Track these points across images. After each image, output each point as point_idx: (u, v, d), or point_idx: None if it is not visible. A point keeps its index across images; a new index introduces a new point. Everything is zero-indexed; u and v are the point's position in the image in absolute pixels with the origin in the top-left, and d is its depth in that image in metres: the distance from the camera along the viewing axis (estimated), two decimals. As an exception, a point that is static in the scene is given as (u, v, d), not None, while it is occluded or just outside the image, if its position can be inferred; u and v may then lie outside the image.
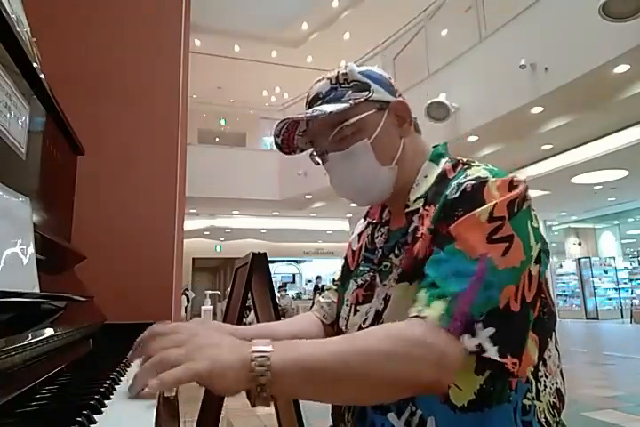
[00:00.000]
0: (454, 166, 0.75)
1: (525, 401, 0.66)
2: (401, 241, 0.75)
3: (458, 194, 0.66)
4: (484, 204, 0.63)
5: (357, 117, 0.74)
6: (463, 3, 7.60)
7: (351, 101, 0.74)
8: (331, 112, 0.73)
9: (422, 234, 0.70)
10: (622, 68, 5.07)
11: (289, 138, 0.81)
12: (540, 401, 0.68)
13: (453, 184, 0.69)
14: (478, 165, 0.73)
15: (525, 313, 0.61)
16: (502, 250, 0.61)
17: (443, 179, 0.74)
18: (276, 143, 0.82)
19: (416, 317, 0.59)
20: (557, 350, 0.74)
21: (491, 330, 0.57)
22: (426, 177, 0.77)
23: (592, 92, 5.52)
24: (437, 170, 0.77)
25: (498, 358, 0.57)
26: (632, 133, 6.53)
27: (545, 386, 0.69)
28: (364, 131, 0.75)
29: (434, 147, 0.83)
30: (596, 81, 5.25)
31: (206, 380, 0.50)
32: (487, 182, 0.66)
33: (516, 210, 0.63)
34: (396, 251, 0.76)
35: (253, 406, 0.53)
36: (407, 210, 0.76)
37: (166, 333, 0.57)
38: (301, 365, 0.53)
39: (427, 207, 0.72)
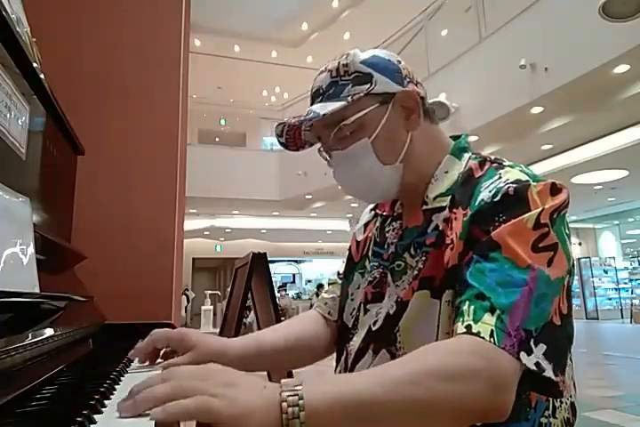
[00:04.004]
0: (481, 164, 0.70)
1: (542, 419, 0.63)
2: (417, 240, 0.70)
3: (499, 197, 0.60)
4: (529, 209, 0.59)
5: (356, 116, 0.70)
6: (463, 3, 7.60)
7: (349, 99, 0.69)
8: (324, 114, 0.68)
9: (452, 240, 0.64)
10: (622, 68, 5.07)
11: (294, 135, 0.78)
12: (556, 418, 0.65)
13: (486, 186, 0.64)
14: (511, 166, 0.67)
15: (567, 326, 0.57)
16: (547, 259, 0.56)
17: (469, 178, 0.68)
18: (281, 143, 0.79)
19: (465, 333, 0.53)
20: (571, 361, 0.70)
21: (543, 347, 0.52)
22: (446, 172, 0.72)
23: (592, 92, 5.51)
24: (460, 166, 0.72)
25: (554, 378, 0.52)
26: (632, 133, 6.53)
27: (561, 402, 0.66)
28: (364, 129, 0.70)
29: (454, 139, 0.78)
30: (596, 81, 5.25)
31: (225, 423, 0.42)
32: (530, 186, 0.61)
33: (555, 216, 0.59)
34: (412, 251, 0.71)
35: None
36: (425, 207, 0.71)
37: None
38: (343, 401, 0.45)
39: (454, 210, 0.67)
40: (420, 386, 0.47)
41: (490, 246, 0.58)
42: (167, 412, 0.40)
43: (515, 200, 0.60)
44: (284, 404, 0.43)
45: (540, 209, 0.59)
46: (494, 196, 0.61)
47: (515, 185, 0.61)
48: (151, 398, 0.42)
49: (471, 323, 0.53)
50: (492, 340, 0.51)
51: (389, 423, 0.47)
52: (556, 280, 0.56)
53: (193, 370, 0.47)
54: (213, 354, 0.71)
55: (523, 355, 0.51)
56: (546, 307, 0.54)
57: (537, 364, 0.51)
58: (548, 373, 0.52)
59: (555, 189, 0.62)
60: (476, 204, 0.63)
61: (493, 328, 0.52)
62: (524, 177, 0.63)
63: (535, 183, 0.61)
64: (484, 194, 0.63)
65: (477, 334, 0.52)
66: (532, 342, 0.52)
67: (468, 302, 0.56)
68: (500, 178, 0.64)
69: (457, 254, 0.62)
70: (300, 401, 0.44)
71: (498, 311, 0.53)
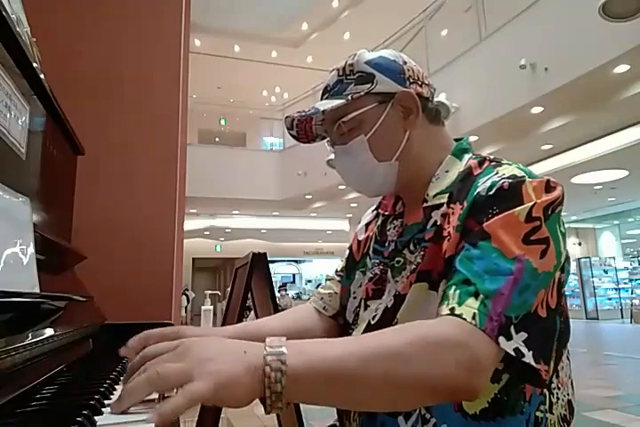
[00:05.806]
0: (480, 163, 0.72)
1: (538, 413, 0.64)
2: (417, 237, 0.72)
3: (493, 191, 0.62)
4: (522, 203, 0.60)
5: (354, 114, 0.73)
6: (463, 3, 7.60)
7: (349, 97, 0.72)
8: (324, 110, 0.72)
9: (449, 233, 0.66)
10: (622, 68, 5.07)
11: (305, 128, 0.80)
12: (552, 414, 0.66)
13: (483, 181, 0.65)
14: (509, 164, 0.69)
15: (552, 320, 0.59)
16: (539, 252, 0.58)
17: (468, 176, 0.70)
18: (292, 135, 0.82)
19: (449, 315, 0.55)
20: (569, 360, 0.72)
21: (524, 334, 0.54)
22: (447, 172, 0.74)
23: (592, 92, 5.52)
24: (460, 165, 0.74)
25: (535, 364, 0.54)
26: (632, 133, 6.53)
27: (558, 398, 0.67)
28: (362, 126, 0.74)
29: (456, 140, 0.80)
30: (596, 81, 5.25)
31: (214, 398, 0.43)
32: (525, 182, 0.62)
33: (550, 213, 0.61)
34: (411, 247, 0.73)
35: (268, 413, 0.47)
36: (425, 205, 0.73)
37: (161, 344, 0.51)
38: (321, 368, 0.47)
39: (452, 205, 0.68)
40: (401, 366, 0.49)
41: (480, 236, 0.60)
42: (162, 415, 0.40)
43: (509, 194, 0.62)
44: (267, 368, 0.45)
45: (532, 203, 0.60)
46: (489, 189, 0.63)
47: (510, 180, 0.63)
48: (134, 395, 0.44)
49: (455, 306, 0.55)
50: (473, 322, 0.53)
51: (365, 393, 0.50)
52: (543, 273, 0.57)
53: (167, 349, 0.49)
54: None
55: (502, 339, 0.53)
56: (529, 297, 0.56)
57: (516, 349, 0.53)
58: (528, 359, 0.53)
59: (549, 187, 0.63)
60: (472, 197, 0.65)
61: (476, 311, 0.54)
62: (519, 173, 0.65)
63: (530, 179, 0.63)
64: (481, 188, 0.65)
65: (460, 316, 0.54)
66: (512, 329, 0.54)
67: (454, 287, 0.58)
68: (496, 173, 0.66)
69: (454, 245, 0.64)
70: (283, 366, 0.45)
71: (482, 296, 0.55)
